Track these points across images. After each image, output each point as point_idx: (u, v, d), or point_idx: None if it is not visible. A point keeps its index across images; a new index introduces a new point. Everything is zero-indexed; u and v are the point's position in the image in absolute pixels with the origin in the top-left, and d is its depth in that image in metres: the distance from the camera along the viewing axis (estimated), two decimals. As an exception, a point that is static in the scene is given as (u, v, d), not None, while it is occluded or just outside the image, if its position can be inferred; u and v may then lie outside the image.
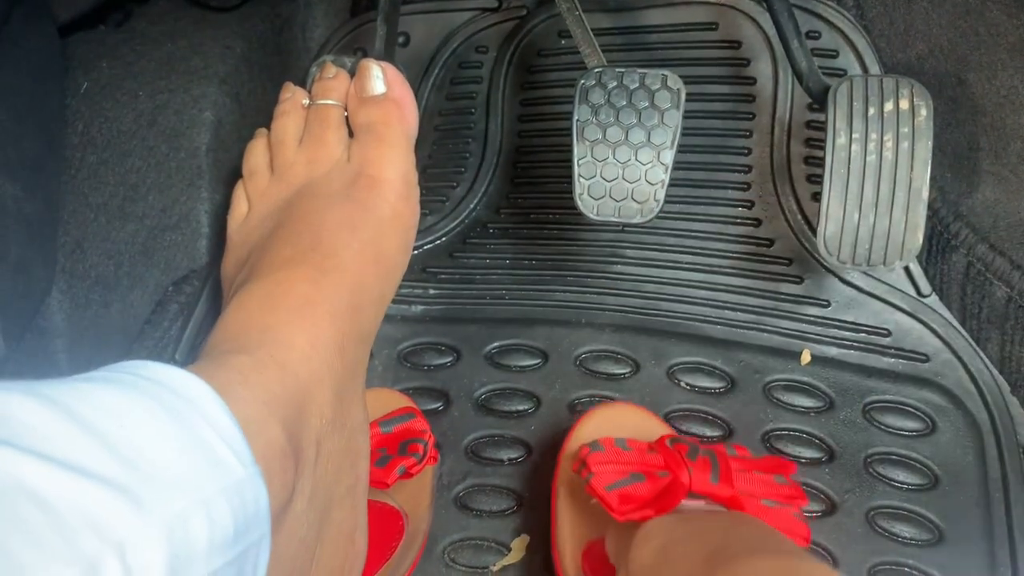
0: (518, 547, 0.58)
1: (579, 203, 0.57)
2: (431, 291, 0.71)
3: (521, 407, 0.65)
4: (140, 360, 0.35)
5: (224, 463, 0.32)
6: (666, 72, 0.56)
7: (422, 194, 0.60)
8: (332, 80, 0.57)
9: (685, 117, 0.56)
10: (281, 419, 0.39)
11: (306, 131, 0.56)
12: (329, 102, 0.56)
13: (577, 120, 0.57)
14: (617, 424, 0.57)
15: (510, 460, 0.63)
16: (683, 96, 0.56)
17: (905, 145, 0.53)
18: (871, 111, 0.54)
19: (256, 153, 0.58)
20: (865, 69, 0.67)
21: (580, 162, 0.57)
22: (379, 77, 0.55)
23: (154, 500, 0.29)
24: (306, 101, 0.58)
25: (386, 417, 0.58)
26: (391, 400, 0.62)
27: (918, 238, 0.53)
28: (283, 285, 0.47)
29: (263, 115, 0.75)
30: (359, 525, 0.48)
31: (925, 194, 0.53)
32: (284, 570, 0.40)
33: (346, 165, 0.54)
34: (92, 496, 0.27)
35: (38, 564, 0.25)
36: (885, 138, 0.53)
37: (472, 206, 0.75)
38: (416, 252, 0.73)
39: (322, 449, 0.43)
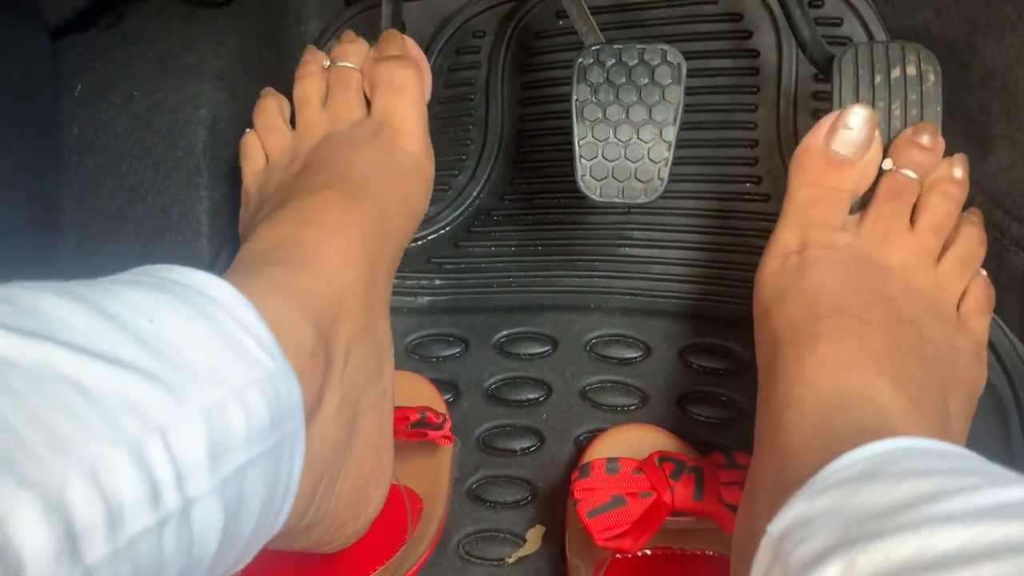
0: (533, 538, 0.57)
1: (581, 185, 0.56)
2: (437, 282, 0.70)
3: (532, 395, 0.64)
4: (165, 264, 0.36)
5: (255, 357, 0.33)
6: (665, 47, 0.55)
7: None
8: (352, 44, 0.59)
9: (688, 94, 0.55)
10: (313, 322, 0.40)
11: (329, 93, 0.58)
12: (349, 64, 0.58)
13: (576, 100, 0.56)
14: (631, 447, 0.56)
15: (523, 450, 0.62)
16: (684, 70, 0.55)
17: (914, 112, 0.51)
18: (878, 79, 0.52)
19: (270, 110, 0.59)
20: (870, 36, 0.66)
21: (581, 143, 0.56)
22: (398, 39, 0.59)
23: (189, 389, 0.29)
24: (327, 63, 0.60)
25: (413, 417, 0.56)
26: (414, 387, 0.61)
27: (931, 207, 0.52)
28: (315, 206, 0.49)
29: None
30: (385, 441, 0.49)
31: (936, 162, 0.51)
32: (316, 471, 0.41)
33: (368, 120, 0.57)
34: (130, 385, 0.28)
35: (85, 442, 0.25)
36: (893, 106, 0.52)
37: (475, 194, 0.74)
38: (420, 243, 0.72)
39: (351, 357, 0.44)
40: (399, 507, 0.53)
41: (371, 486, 0.48)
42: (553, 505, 0.58)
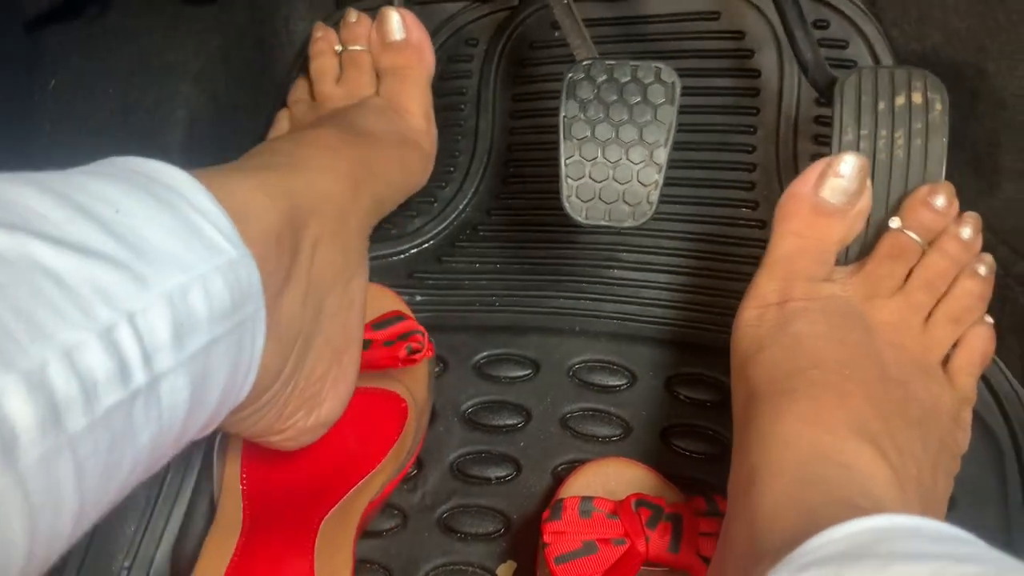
0: (504, 574, 0.55)
1: (567, 206, 0.53)
2: (418, 298, 0.67)
3: (510, 421, 0.61)
4: (130, 156, 0.38)
5: (216, 245, 0.36)
6: (660, 64, 0.52)
7: (411, 196, 0.64)
8: (357, 26, 0.65)
9: (685, 113, 0.53)
10: (283, 210, 0.43)
11: (342, 73, 0.65)
12: (358, 48, 0.65)
13: (564, 116, 0.53)
14: (609, 483, 0.53)
15: (498, 479, 0.59)
16: (678, 90, 0.52)
17: (918, 142, 0.49)
18: (881, 105, 0.50)
19: (300, 86, 0.67)
20: (876, 60, 0.63)
21: (567, 162, 0.53)
22: (399, 23, 0.64)
23: (155, 275, 0.32)
24: (338, 47, 0.66)
25: (377, 320, 0.58)
26: (382, 298, 0.62)
27: (933, 243, 0.49)
28: (313, 133, 0.55)
29: (242, 113, 0.72)
30: (349, 348, 0.51)
31: (940, 195, 0.49)
32: (284, 352, 0.44)
33: (377, 98, 0.64)
34: (100, 272, 0.31)
35: (61, 329, 0.28)
36: (896, 135, 0.49)
37: (462, 207, 0.71)
38: (403, 256, 0.69)
39: (317, 253, 0.47)
40: (389, 408, 0.57)
41: (327, 385, 0.50)
42: (527, 539, 0.56)
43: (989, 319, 0.48)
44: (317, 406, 0.50)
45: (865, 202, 0.48)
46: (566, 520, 0.47)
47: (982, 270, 0.48)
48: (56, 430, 0.28)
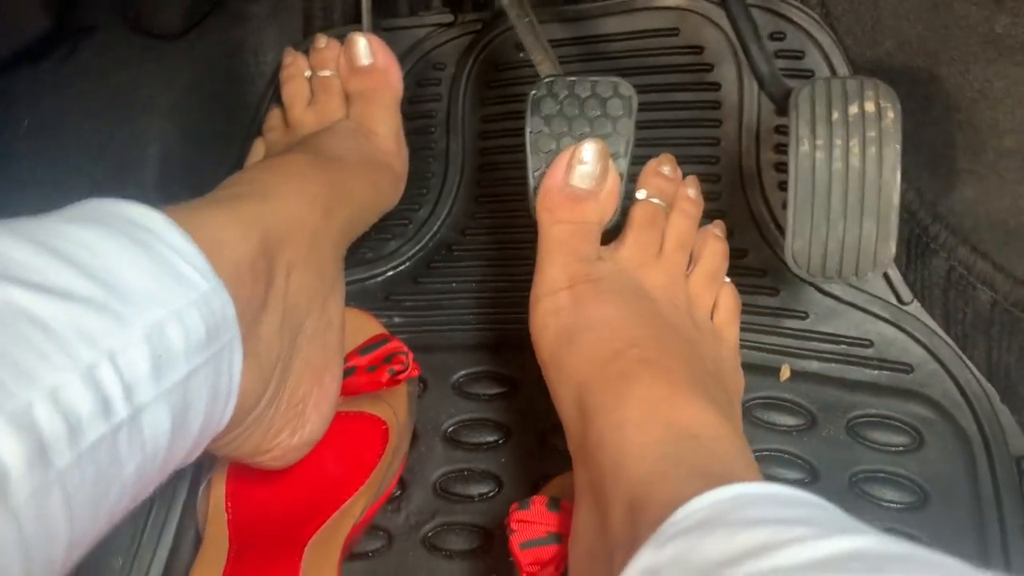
0: (489, 589, 0.56)
1: (536, 218, 0.54)
2: (396, 319, 0.68)
3: (491, 438, 0.62)
4: (104, 199, 0.39)
5: (189, 280, 0.38)
6: (616, 79, 0.54)
7: (386, 218, 0.66)
8: (326, 51, 0.67)
9: (649, 127, 0.54)
10: (256, 239, 0.45)
11: (313, 98, 0.67)
12: (328, 73, 0.66)
13: (530, 132, 0.55)
14: None
15: (480, 496, 0.60)
16: (635, 103, 0.53)
17: (873, 150, 0.50)
18: (835, 115, 0.51)
19: (275, 115, 0.69)
20: (832, 69, 0.65)
21: (535, 175, 0.54)
22: (366, 48, 0.66)
23: (132, 314, 0.34)
24: (308, 73, 0.67)
25: (363, 345, 0.60)
26: (366, 325, 0.62)
27: (891, 247, 0.50)
28: (283, 160, 0.56)
29: (217, 143, 0.73)
30: (330, 368, 0.53)
31: (896, 200, 0.50)
32: (263, 376, 0.45)
33: (347, 121, 0.65)
34: (80, 315, 0.32)
35: (46, 372, 0.30)
36: (851, 143, 0.50)
37: (436, 228, 0.72)
38: (379, 279, 0.70)
39: (292, 278, 0.48)
40: (370, 433, 0.57)
41: (310, 405, 0.51)
42: (509, 556, 0.56)
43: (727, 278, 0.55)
44: (301, 426, 0.51)
45: (612, 182, 0.52)
46: (534, 511, 0.48)
47: (719, 232, 0.55)
48: (44, 466, 0.29)
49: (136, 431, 0.34)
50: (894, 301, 0.62)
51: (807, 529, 0.28)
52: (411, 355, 0.58)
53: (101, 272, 0.34)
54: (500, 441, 0.62)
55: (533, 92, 0.55)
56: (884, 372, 0.61)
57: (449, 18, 0.75)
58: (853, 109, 0.51)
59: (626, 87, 0.54)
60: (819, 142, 0.51)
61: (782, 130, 0.65)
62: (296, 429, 0.51)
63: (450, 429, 0.63)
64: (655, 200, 0.53)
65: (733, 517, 0.31)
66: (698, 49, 0.68)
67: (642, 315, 0.48)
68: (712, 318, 0.53)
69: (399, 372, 0.57)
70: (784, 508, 0.32)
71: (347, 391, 0.56)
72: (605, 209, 0.52)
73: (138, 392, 0.34)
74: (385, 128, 0.65)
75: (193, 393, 0.37)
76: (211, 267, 0.39)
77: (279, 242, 0.47)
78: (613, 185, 0.52)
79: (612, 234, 0.54)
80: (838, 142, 0.51)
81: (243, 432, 0.46)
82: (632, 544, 0.35)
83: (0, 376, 0.29)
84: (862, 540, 0.27)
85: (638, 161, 0.55)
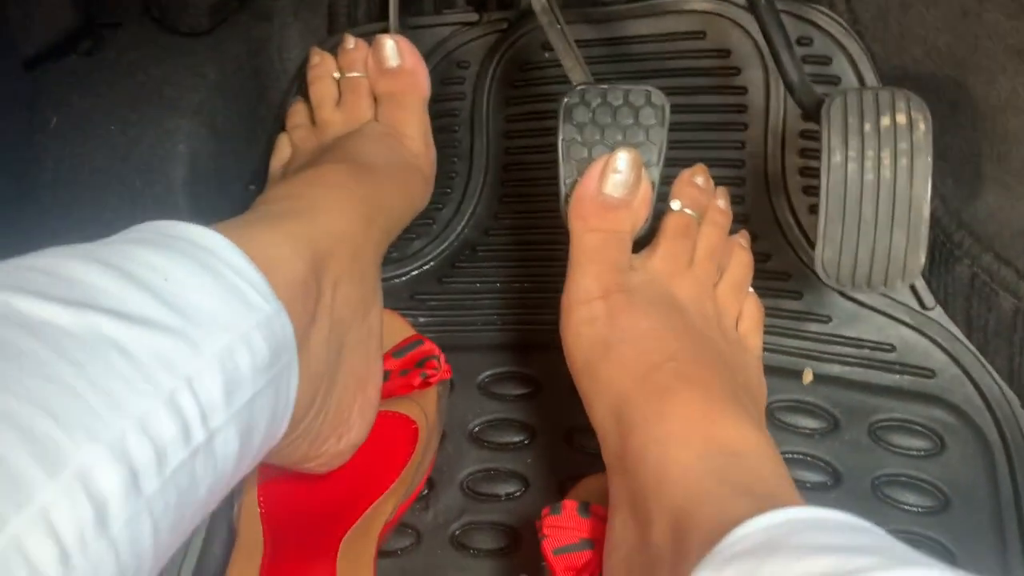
0: (517, 588, 0.57)
1: (569, 226, 0.55)
2: (421, 319, 0.69)
3: (516, 438, 0.63)
4: (164, 221, 0.41)
5: (253, 303, 0.39)
6: (650, 88, 0.54)
7: None
8: (355, 51, 0.67)
9: (675, 130, 0.55)
10: (306, 257, 0.46)
11: (341, 98, 0.67)
12: (356, 74, 0.67)
13: (562, 140, 0.55)
14: (606, 497, 0.55)
15: (507, 495, 0.61)
16: (667, 112, 0.54)
17: (904, 162, 0.51)
18: (867, 127, 0.51)
19: (299, 111, 0.69)
20: (859, 75, 0.65)
21: (566, 183, 0.55)
22: (394, 50, 0.66)
23: (205, 339, 0.35)
24: (337, 74, 0.67)
25: (397, 347, 0.61)
26: (399, 328, 0.63)
27: (920, 258, 0.51)
28: (323, 172, 0.56)
29: (241, 143, 0.73)
30: (370, 376, 0.54)
31: (926, 212, 0.51)
32: (312, 388, 0.46)
33: (375, 123, 0.65)
34: (158, 341, 0.34)
35: (131, 399, 0.31)
36: (883, 155, 0.51)
37: (460, 228, 0.73)
38: (404, 279, 0.71)
39: (338, 292, 0.49)
40: (400, 432, 0.58)
41: (354, 413, 0.53)
42: (537, 554, 0.57)
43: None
44: (346, 431, 0.53)
45: (645, 191, 0.53)
46: (565, 516, 0.48)
47: (745, 243, 0.56)
48: (136, 494, 0.31)
49: (210, 454, 0.35)
50: (917, 306, 0.63)
51: (872, 559, 0.29)
52: (443, 357, 0.59)
53: (172, 297, 0.35)
54: (525, 441, 0.63)
55: (566, 100, 0.55)
56: (906, 377, 0.62)
57: (474, 17, 0.75)
58: (885, 121, 0.51)
59: (659, 96, 0.54)
60: (851, 153, 0.51)
61: (807, 135, 0.66)
62: (342, 435, 0.52)
63: (476, 429, 0.64)
64: (688, 211, 0.54)
65: (793, 542, 0.32)
66: (725, 53, 0.68)
67: (676, 327, 0.49)
68: (737, 328, 0.54)
69: (430, 376, 0.58)
70: (842, 535, 0.33)
71: (382, 395, 0.57)
72: (637, 218, 0.53)
73: (212, 416, 0.35)
74: (414, 130, 0.66)
75: (257, 413, 0.39)
76: (271, 289, 0.40)
77: (326, 258, 0.48)
78: (645, 194, 0.53)
79: (641, 243, 0.54)
80: (870, 153, 0.51)
81: (292, 442, 0.47)
82: (678, 560, 0.36)
83: (94, 405, 0.30)
84: (930, 573, 0.28)
85: (665, 163, 0.55)
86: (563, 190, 0.55)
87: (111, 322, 0.33)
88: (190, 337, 0.35)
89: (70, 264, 0.34)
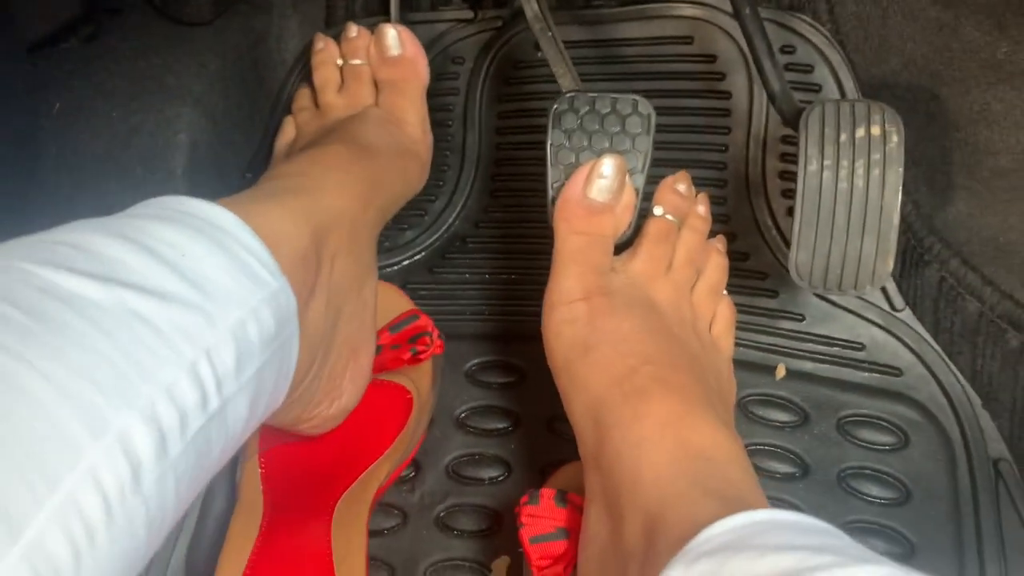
0: (498, 569, 0.59)
1: (554, 228, 0.57)
2: (411, 307, 0.71)
3: (500, 425, 0.65)
4: (177, 196, 0.43)
5: (261, 279, 0.41)
6: (637, 97, 0.56)
7: (403, 208, 0.68)
8: (357, 40, 0.70)
9: (661, 131, 0.57)
10: (308, 231, 0.48)
11: (343, 84, 0.70)
12: (358, 62, 0.70)
13: (551, 144, 0.57)
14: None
15: (490, 479, 0.63)
16: (653, 121, 0.56)
17: (876, 172, 0.53)
18: (843, 137, 0.54)
19: (304, 95, 0.72)
20: (840, 83, 0.67)
21: (554, 186, 0.57)
22: (396, 39, 0.69)
23: (220, 314, 0.38)
24: (339, 61, 0.71)
25: (393, 322, 0.63)
26: (396, 300, 0.66)
27: (889, 264, 0.54)
28: (325, 152, 0.59)
29: (241, 130, 0.75)
30: (365, 345, 0.57)
31: (896, 220, 0.53)
32: (309, 355, 0.49)
33: (376, 109, 0.68)
34: (179, 314, 0.36)
35: (159, 368, 0.34)
36: (856, 165, 0.53)
37: (451, 220, 0.75)
38: (395, 268, 0.73)
39: (336, 266, 0.52)
40: (395, 400, 0.61)
41: (346, 379, 0.55)
42: (518, 536, 0.60)
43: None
44: (338, 397, 0.56)
45: (628, 196, 0.55)
46: (543, 506, 0.51)
47: (722, 248, 0.58)
48: (164, 455, 0.34)
49: (223, 419, 0.38)
50: (887, 307, 0.66)
51: (831, 557, 0.31)
52: (436, 333, 0.62)
53: (190, 273, 0.38)
54: (509, 428, 0.65)
55: (555, 106, 0.57)
56: (874, 374, 0.64)
57: (469, 14, 0.77)
58: (860, 132, 0.54)
59: (645, 105, 0.56)
60: (827, 162, 0.54)
61: (788, 140, 0.68)
62: (334, 400, 0.55)
63: (462, 415, 0.66)
64: (669, 216, 0.56)
65: (757, 542, 0.34)
66: (711, 58, 0.70)
67: (653, 330, 0.51)
68: (710, 330, 0.56)
69: (420, 352, 0.61)
70: (804, 535, 0.35)
71: (373, 368, 0.59)
72: (620, 222, 0.55)
73: (226, 385, 0.37)
74: (413, 116, 0.69)
75: (263, 381, 0.41)
76: (277, 265, 0.43)
77: (326, 233, 0.51)
78: (629, 199, 0.55)
79: (622, 247, 0.56)
80: (844, 163, 0.54)
81: (289, 404, 0.50)
82: (649, 557, 0.39)
83: (128, 374, 0.33)
84: (882, 570, 0.30)
85: (649, 167, 0.57)
86: (550, 193, 0.57)
87: (136, 296, 0.35)
88: (207, 311, 0.37)
89: (95, 239, 0.36)
